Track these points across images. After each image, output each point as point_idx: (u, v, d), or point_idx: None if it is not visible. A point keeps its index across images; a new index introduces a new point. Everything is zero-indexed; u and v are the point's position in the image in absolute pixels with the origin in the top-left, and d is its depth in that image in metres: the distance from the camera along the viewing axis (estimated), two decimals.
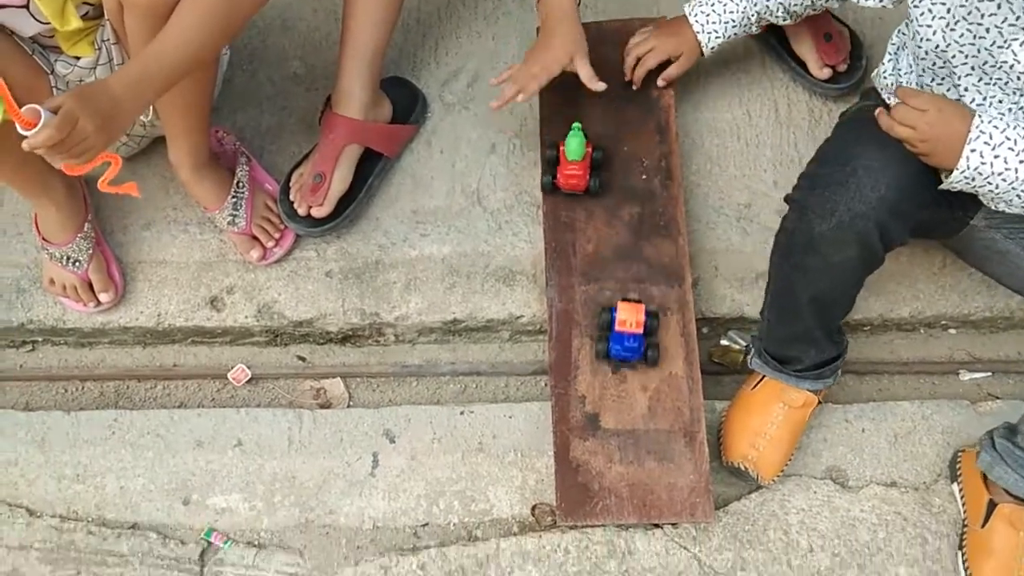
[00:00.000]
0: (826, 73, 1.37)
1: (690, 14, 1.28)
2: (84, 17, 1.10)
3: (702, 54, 1.29)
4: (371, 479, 1.25)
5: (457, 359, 1.37)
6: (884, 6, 1.08)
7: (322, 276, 1.35)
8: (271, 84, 1.48)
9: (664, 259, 1.26)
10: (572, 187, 1.27)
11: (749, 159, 1.37)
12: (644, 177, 1.30)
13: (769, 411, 1.19)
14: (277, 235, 1.34)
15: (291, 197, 1.32)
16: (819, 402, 1.22)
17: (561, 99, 1.35)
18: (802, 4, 1.22)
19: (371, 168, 1.35)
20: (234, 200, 1.31)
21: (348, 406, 1.34)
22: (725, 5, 1.25)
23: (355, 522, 1.23)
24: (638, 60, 1.32)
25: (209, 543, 1.22)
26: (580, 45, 1.21)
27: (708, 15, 1.26)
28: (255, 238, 1.33)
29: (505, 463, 1.25)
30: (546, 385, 1.33)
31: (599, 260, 1.26)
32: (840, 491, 1.21)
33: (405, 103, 1.40)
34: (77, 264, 1.30)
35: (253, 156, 1.39)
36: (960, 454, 1.19)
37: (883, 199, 0.97)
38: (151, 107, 1.18)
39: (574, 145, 1.23)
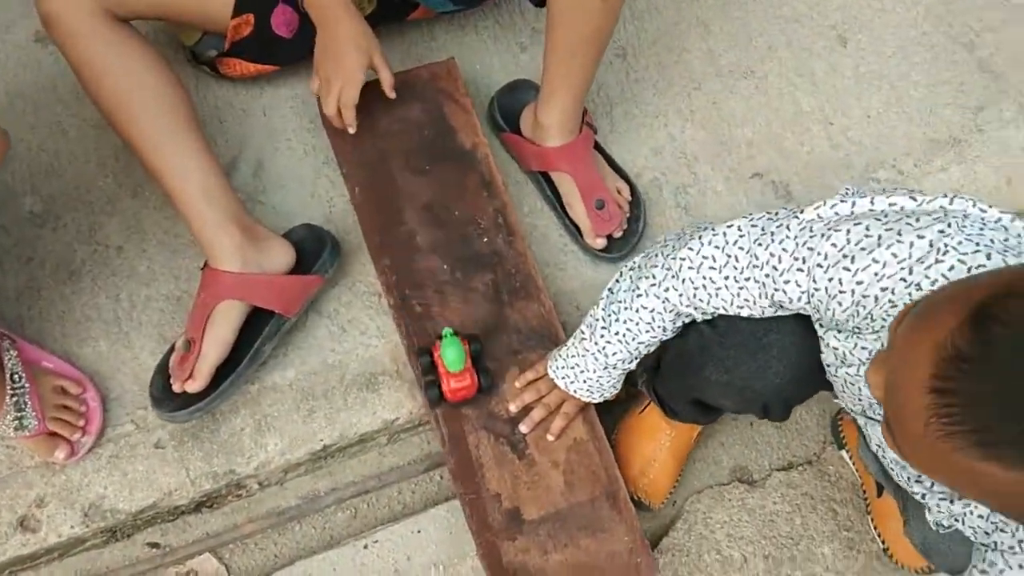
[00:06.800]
0: (600, 243, 1.24)
1: (568, 389, 1.08)
2: None
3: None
4: None
5: (337, 484, 1.23)
6: None
7: (151, 450, 1.13)
8: (6, 235, 1.19)
9: (532, 322, 1.19)
10: (463, 398, 1.12)
11: None
12: (485, 240, 1.21)
13: (656, 437, 1.19)
14: (80, 422, 1.09)
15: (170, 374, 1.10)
16: None
17: (371, 178, 1.22)
18: (647, 345, 1.00)
19: (259, 330, 1.12)
20: (15, 399, 1.05)
21: None
22: (584, 372, 1.05)
23: None
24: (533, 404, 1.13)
25: None
26: (372, 41, 1.10)
27: (586, 385, 1.07)
28: (54, 434, 1.08)
29: None
30: (442, 478, 1.23)
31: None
32: (749, 490, 1.25)
33: (310, 248, 1.17)
34: None
35: (16, 334, 1.11)
36: (840, 420, 1.26)
37: (780, 388, 0.91)
38: None
39: (453, 356, 1.07)
